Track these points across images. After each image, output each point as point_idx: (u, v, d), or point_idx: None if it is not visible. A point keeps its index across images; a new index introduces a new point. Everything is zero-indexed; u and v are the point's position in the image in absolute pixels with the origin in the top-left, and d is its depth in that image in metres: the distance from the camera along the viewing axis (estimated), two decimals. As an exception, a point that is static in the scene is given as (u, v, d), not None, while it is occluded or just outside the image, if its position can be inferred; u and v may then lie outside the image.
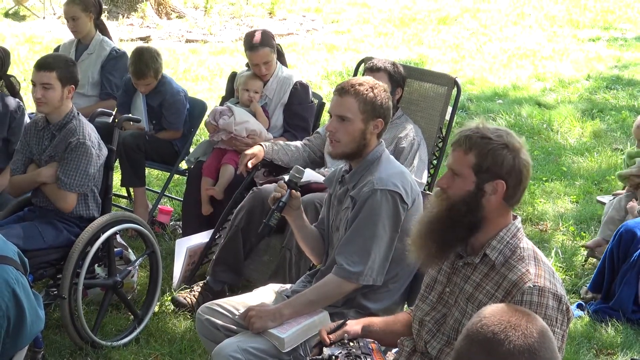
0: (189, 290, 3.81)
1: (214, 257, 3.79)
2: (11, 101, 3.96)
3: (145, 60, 4.47)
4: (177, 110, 4.61)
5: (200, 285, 3.80)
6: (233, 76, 4.62)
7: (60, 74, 3.28)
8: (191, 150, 4.74)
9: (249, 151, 3.93)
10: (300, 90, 4.34)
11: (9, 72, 4.11)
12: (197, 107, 4.75)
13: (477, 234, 2.09)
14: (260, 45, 4.21)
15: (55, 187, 3.31)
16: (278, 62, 4.40)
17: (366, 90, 2.70)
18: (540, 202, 5.35)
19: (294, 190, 2.74)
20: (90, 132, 3.34)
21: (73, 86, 3.33)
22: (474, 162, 2.04)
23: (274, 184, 3.77)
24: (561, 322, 1.96)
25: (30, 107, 5.08)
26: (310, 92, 4.43)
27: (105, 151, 3.41)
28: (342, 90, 2.72)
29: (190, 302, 3.71)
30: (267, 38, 4.27)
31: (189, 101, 4.73)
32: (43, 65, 3.33)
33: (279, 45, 4.45)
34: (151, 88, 4.57)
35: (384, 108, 2.72)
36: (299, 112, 4.34)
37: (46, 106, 3.31)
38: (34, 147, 3.42)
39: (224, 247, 3.74)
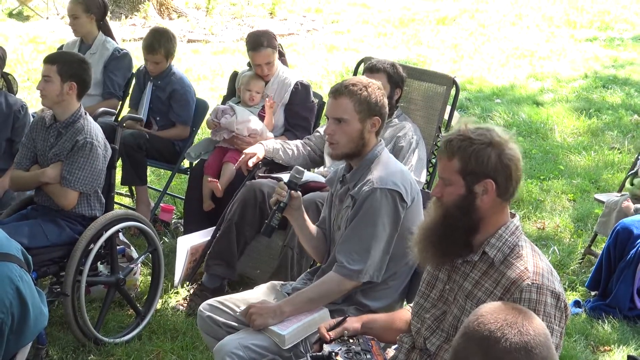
0: (184, 297, 3.85)
1: (208, 252, 3.82)
2: (15, 101, 3.97)
3: (159, 37, 4.54)
4: (187, 103, 4.64)
5: (195, 287, 3.84)
6: (234, 75, 4.64)
7: (60, 68, 3.30)
8: (192, 148, 4.77)
9: (249, 150, 3.96)
10: (301, 90, 4.36)
11: (8, 72, 4.14)
12: (199, 107, 4.77)
13: (477, 234, 2.09)
14: (263, 46, 4.25)
15: (57, 185, 3.32)
16: (280, 63, 4.43)
17: (360, 90, 2.71)
18: (539, 200, 5.39)
19: (293, 191, 2.76)
20: (97, 133, 3.36)
21: (74, 83, 3.32)
22: (459, 166, 2.05)
23: (268, 178, 3.82)
24: (559, 319, 1.97)
25: (33, 106, 5.12)
26: (311, 92, 4.45)
27: (110, 152, 3.43)
28: (337, 92, 2.73)
29: (186, 307, 3.74)
30: (270, 39, 4.30)
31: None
32: (47, 58, 3.39)
33: (280, 45, 4.48)
34: (160, 69, 4.59)
35: (379, 106, 2.74)
36: (300, 111, 4.37)
37: (45, 99, 3.34)
38: (39, 143, 3.44)
39: (218, 241, 3.77)
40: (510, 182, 2.06)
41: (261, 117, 4.31)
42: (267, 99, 4.30)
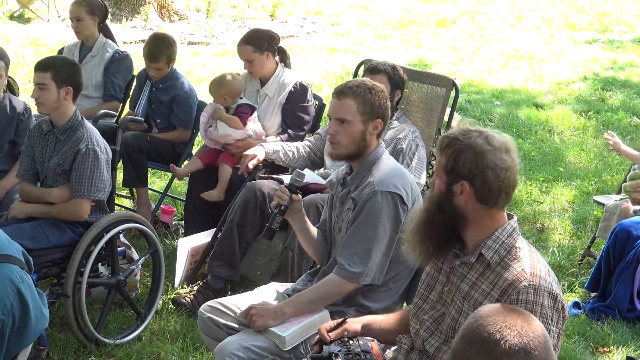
0: (189, 290, 3.86)
1: (211, 253, 3.83)
2: (18, 103, 3.98)
3: (160, 43, 4.54)
4: (189, 107, 4.65)
5: (200, 284, 3.85)
6: (234, 77, 4.65)
7: (54, 74, 3.30)
8: (193, 152, 4.78)
9: (249, 152, 3.97)
10: (299, 90, 4.36)
11: (9, 74, 4.15)
12: (200, 109, 4.78)
13: (465, 232, 2.10)
14: (244, 42, 4.26)
15: (64, 206, 3.34)
16: (280, 64, 4.44)
17: (364, 92, 2.72)
18: (538, 202, 5.40)
19: (294, 194, 2.77)
20: (97, 137, 3.38)
21: (70, 88, 3.33)
22: (444, 163, 2.07)
23: (268, 179, 3.83)
24: (557, 321, 1.97)
25: (35, 108, 5.13)
26: (310, 92, 4.45)
27: (110, 153, 3.44)
28: (341, 93, 2.75)
29: (189, 302, 3.75)
30: (257, 38, 4.28)
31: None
32: (39, 66, 3.37)
33: (282, 47, 4.49)
34: (162, 75, 4.59)
35: (382, 108, 2.75)
36: (297, 111, 4.36)
37: (43, 107, 3.34)
38: (37, 151, 3.45)
39: (220, 242, 3.79)
40: (489, 189, 2.02)
41: (240, 117, 4.27)
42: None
